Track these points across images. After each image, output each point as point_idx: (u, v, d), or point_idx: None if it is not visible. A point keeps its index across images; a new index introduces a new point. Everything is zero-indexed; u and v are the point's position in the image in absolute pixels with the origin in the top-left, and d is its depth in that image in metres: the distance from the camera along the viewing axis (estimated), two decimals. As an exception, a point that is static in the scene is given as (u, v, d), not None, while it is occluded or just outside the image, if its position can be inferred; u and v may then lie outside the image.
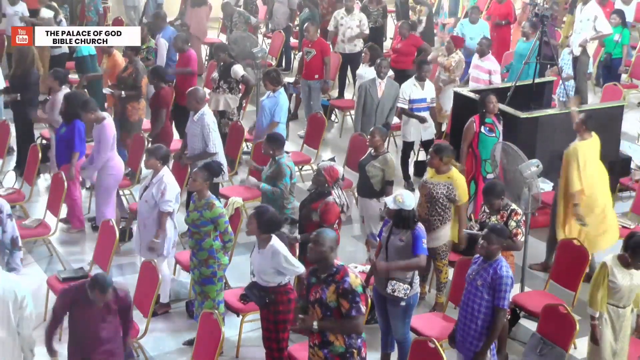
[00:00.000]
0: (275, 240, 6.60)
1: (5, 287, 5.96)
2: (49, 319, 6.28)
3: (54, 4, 13.51)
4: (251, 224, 6.61)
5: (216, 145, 9.05)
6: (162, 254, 7.83)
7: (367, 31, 13.67)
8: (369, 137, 8.56)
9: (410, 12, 15.43)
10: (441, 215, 7.83)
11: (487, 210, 7.39)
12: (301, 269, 6.62)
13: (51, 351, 6.29)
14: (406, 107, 10.69)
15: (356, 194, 8.99)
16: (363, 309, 5.71)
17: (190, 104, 9.09)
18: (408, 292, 6.79)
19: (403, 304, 6.81)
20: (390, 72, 11.11)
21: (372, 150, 8.49)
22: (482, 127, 9.14)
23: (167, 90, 10.41)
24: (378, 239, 7.31)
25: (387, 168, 8.36)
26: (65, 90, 10.10)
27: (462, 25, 13.63)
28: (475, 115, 9.24)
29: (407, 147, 10.96)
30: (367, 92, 10.38)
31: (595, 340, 6.60)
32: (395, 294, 6.76)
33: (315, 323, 5.73)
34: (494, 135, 9.12)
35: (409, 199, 6.80)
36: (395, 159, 8.82)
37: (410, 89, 10.67)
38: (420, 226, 6.89)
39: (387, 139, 10.23)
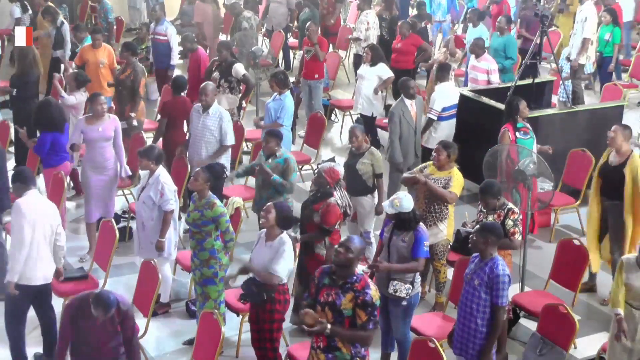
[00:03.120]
0: (285, 235, 6.61)
1: (48, 211, 6.97)
2: (58, 339, 6.23)
3: (51, 4, 13.47)
4: (269, 212, 6.57)
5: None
6: (164, 255, 7.83)
7: (357, 34, 13.59)
8: (353, 139, 8.48)
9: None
10: (437, 212, 7.84)
11: (484, 210, 7.39)
12: (277, 273, 6.50)
13: None
14: (435, 118, 10.36)
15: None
16: (377, 322, 5.71)
17: (209, 97, 9.15)
18: (410, 292, 6.79)
19: (404, 303, 6.82)
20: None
21: (354, 149, 8.51)
22: (517, 132, 8.96)
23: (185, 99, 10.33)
24: (379, 237, 7.29)
25: (375, 162, 8.43)
26: (85, 93, 10.17)
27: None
28: (506, 124, 8.98)
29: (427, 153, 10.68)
30: (401, 119, 9.59)
31: (615, 337, 6.50)
32: (397, 294, 6.77)
33: (328, 327, 5.61)
34: (529, 137, 8.96)
35: (407, 202, 6.80)
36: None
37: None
38: (422, 227, 6.89)
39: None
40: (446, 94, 10.42)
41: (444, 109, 10.33)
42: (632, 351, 6.57)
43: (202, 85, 9.36)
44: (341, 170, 7.70)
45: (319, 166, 7.80)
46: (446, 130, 10.31)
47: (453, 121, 10.40)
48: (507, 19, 12.64)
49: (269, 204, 6.73)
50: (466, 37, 13.07)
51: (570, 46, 12.96)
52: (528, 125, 9.07)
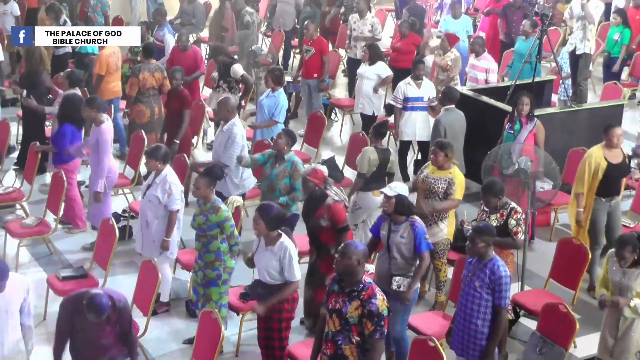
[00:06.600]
0: (285, 238, 6.53)
1: (15, 283, 6.00)
2: (55, 336, 6.12)
3: (57, 4, 13.44)
4: (259, 224, 6.46)
5: (233, 159, 8.66)
6: (167, 254, 7.82)
7: (378, 36, 13.50)
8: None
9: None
10: (438, 212, 7.83)
11: (486, 209, 7.38)
12: (295, 278, 6.48)
13: None
14: (399, 106, 10.65)
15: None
16: (385, 332, 5.60)
17: (221, 113, 8.80)
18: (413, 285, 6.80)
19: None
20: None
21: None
22: (507, 124, 9.19)
23: (185, 91, 10.31)
24: (370, 233, 7.29)
25: (360, 161, 8.53)
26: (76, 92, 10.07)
27: (445, 21, 13.76)
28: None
29: (404, 146, 10.89)
30: (436, 128, 9.64)
31: (613, 303, 6.59)
32: (401, 289, 6.76)
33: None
34: (512, 132, 9.11)
35: (403, 187, 6.97)
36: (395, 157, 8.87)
37: (405, 88, 10.62)
38: (418, 220, 6.88)
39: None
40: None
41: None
42: (615, 345, 6.67)
43: (221, 99, 9.06)
44: (323, 168, 7.53)
45: (301, 173, 7.73)
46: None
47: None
48: (531, 23, 12.60)
49: (255, 214, 6.59)
50: (449, 29, 13.16)
51: (571, 45, 12.96)
52: (528, 124, 9.08)
